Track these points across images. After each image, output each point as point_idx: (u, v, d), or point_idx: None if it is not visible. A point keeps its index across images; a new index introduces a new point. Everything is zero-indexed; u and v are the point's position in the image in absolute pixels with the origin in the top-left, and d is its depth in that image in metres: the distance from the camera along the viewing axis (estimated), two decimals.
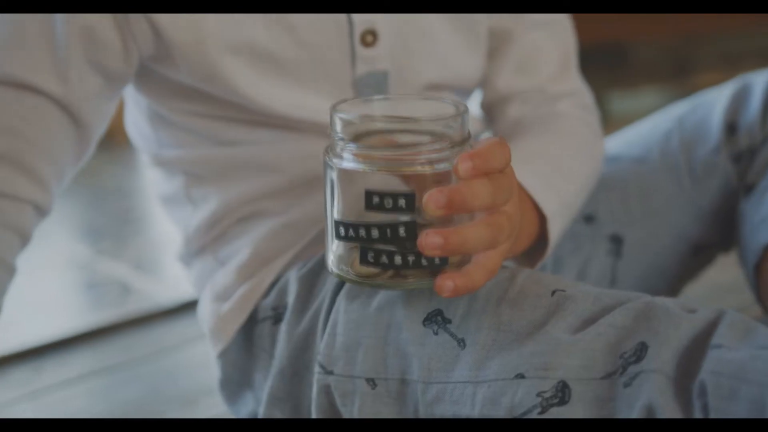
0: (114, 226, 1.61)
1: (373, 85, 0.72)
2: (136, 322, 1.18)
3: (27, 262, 0.69)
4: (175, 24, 0.66)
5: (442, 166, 0.53)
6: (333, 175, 0.54)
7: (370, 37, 0.71)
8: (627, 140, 0.90)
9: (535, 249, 0.70)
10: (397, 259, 0.53)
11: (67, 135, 0.67)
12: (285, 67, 0.69)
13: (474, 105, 0.83)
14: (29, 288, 1.28)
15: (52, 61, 0.65)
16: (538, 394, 0.54)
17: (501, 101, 0.81)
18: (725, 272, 1.04)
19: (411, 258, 0.53)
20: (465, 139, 0.54)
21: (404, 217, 0.52)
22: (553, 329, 0.56)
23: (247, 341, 0.73)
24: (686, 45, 2.26)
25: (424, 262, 0.53)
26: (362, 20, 0.70)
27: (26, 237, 0.67)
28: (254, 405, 0.74)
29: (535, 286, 0.59)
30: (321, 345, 0.64)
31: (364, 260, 0.54)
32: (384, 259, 0.53)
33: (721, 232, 0.86)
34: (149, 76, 0.71)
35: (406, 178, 0.53)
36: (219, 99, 0.70)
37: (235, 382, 0.76)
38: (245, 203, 0.73)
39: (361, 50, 0.71)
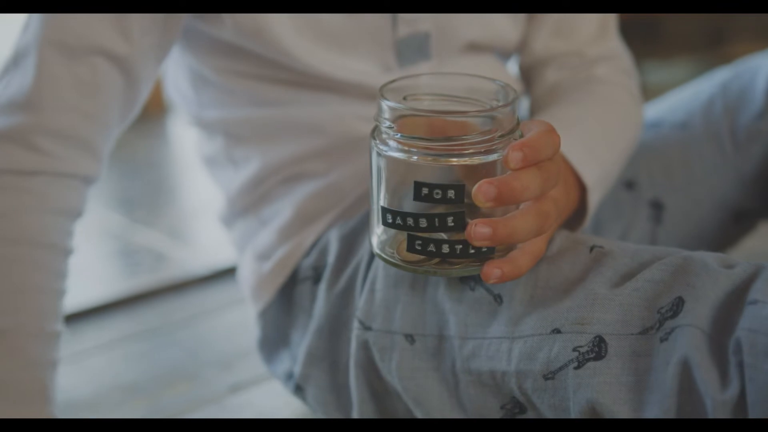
0: (148, 197, 1.63)
1: (414, 46, 0.71)
2: (171, 289, 1.19)
3: None
4: None
5: (491, 157, 0.52)
6: (380, 162, 0.53)
7: None
8: (669, 106, 0.88)
9: (574, 217, 0.69)
10: (445, 248, 0.53)
11: (123, 99, 0.67)
12: (326, 28, 0.69)
13: (513, 66, 0.83)
14: None
15: (115, 19, 0.64)
16: (575, 349, 0.54)
17: (539, 64, 0.80)
18: (765, 240, 1.03)
19: (459, 247, 0.53)
20: (514, 128, 0.53)
21: (453, 208, 0.52)
22: (590, 284, 0.55)
23: (287, 301, 0.74)
24: (720, 15, 2.23)
25: (471, 250, 0.53)
26: None
27: (81, 211, 0.68)
28: (290, 364, 0.74)
29: (573, 244, 0.59)
30: (360, 301, 0.64)
31: (411, 248, 0.53)
32: (432, 247, 0.53)
33: (763, 198, 0.84)
34: (194, 34, 0.71)
35: (454, 168, 0.52)
36: (262, 57, 0.70)
37: (274, 341, 0.76)
38: (287, 164, 0.73)
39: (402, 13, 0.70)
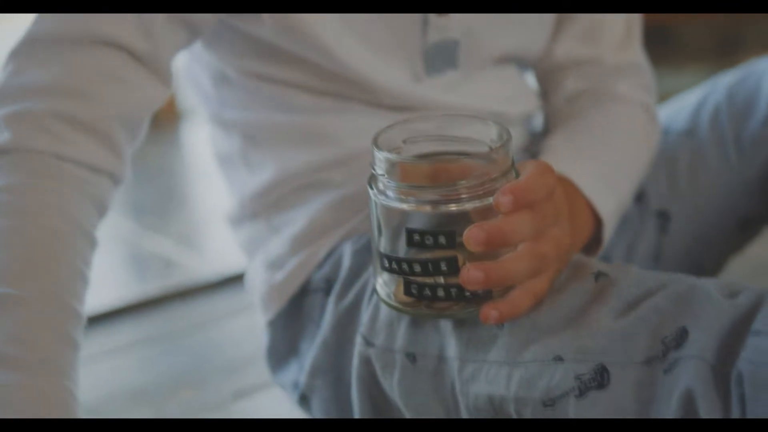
0: (158, 203, 1.63)
1: (443, 53, 0.71)
2: (180, 295, 1.20)
3: None
4: None
5: (484, 202, 0.52)
6: (378, 209, 0.54)
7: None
8: (676, 112, 0.88)
9: (588, 244, 0.69)
10: (440, 292, 0.54)
11: (146, 93, 0.64)
12: (359, 26, 0.68)
13: (531, 78, 0.82)
14: None
15: (135, 16, 0.62)
16: (577, 377, 0.54)
17: (558, 70, 0.79)
18: None
19: (454, 291, 0.53)
20: (508, 170, 0.53)
21: (445, 252, 0.52)
22: (595, 313, 0.55)
23: (297, 311, 0.73)
24: (733, 23, 2.22)
25: (467, 293, 0.53)
26: None
27: (104, 209, 0.64)
28: (297, 374, 0.74)
29: (579, 272, 0.58)
30: (364, 317, 0.64)
31: (407, 292, 0.54)
32: (427, 291, 0.54)
33: None
34: (225, 31, 0.69)
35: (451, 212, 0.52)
36: (294, 58, 0.69)
37: (282, 350, 0.76)
38: (304, 173, 0.73)
39: (433, 17, 0.69)
